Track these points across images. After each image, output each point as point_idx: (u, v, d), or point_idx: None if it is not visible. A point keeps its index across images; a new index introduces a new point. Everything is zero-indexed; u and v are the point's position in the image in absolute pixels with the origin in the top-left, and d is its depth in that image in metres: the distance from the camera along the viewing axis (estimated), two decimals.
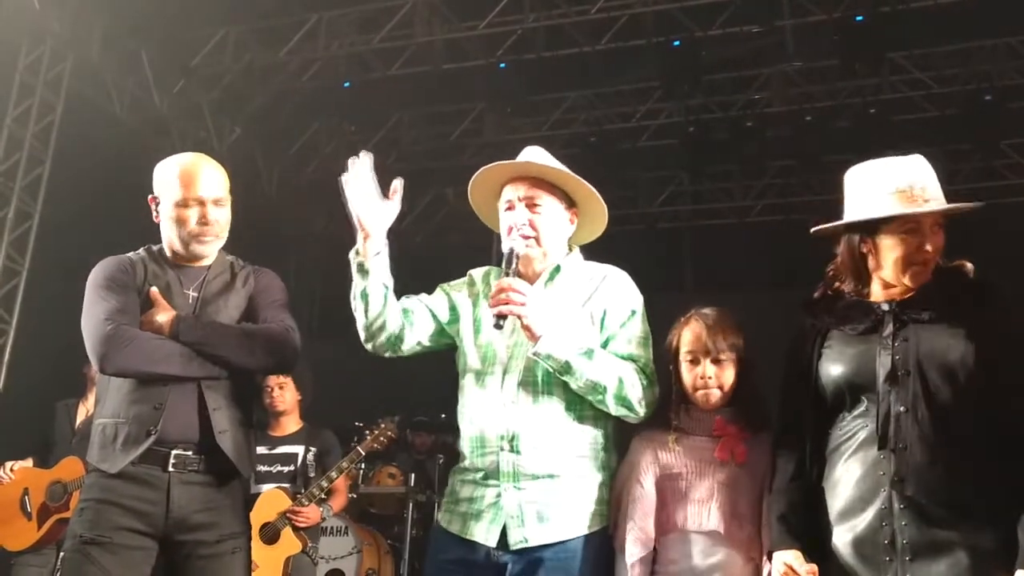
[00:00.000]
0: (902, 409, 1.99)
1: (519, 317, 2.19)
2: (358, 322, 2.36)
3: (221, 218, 2.52)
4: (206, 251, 2.53)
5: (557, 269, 2.40)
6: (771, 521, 2.14)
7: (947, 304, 2.03)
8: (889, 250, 2.09)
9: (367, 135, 8.58)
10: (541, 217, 2.36)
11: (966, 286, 2.07)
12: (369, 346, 2.40)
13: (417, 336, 2.43)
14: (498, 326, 2.21)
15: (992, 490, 1.92)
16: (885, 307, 2.09)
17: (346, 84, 7.89)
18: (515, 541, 2.20)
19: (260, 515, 4.28)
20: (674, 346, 2.39)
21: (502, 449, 2.25)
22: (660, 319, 2.50)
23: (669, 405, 2.35)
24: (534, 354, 2.22)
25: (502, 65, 7.38)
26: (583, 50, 7.17)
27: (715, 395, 2.32)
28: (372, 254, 2.28)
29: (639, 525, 2.25)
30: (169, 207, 2.47)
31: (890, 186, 2.09)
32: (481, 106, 8.39)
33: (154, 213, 2.54)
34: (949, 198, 2.12)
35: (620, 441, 2.42)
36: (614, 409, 2.27)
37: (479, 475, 2.29)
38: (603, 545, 2.26)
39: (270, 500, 4.35)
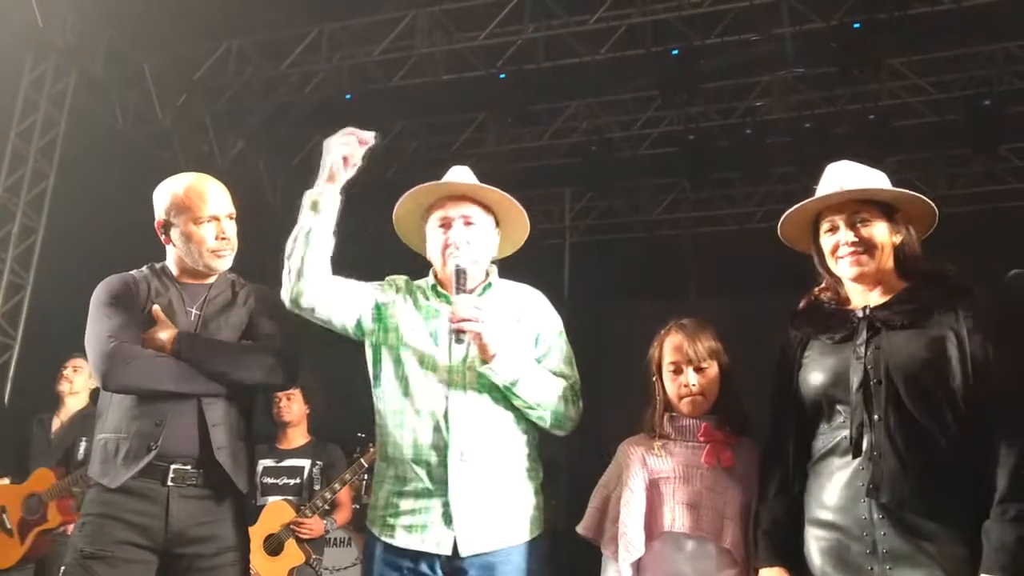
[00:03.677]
0: (876, 418, 1.99)
1: (478, 335, 2.24)
2: (290, 270, 2.34)
3: (233, 232, 2.57)
4: (223, 265, 2.57)
5: (488, 286, 2.45)
6: (756, 536, 2.16)
7: (921, 310, 2.03)
8: (824, 247, 2.17)
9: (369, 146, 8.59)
10: (477, 234, 2.42)
11: (943, 291, 2.06)
12: (290, 297, 2.36)
13: (340, 313, 2.40)
14: (459, 341, 2.27)
15: (966, 497, 1.92)
16: (860, 314, 2.11)
17: (348, 96, 7.92)
18: (469, 550, 2.24)
19: (264, 527, 4.32)
20: (656, 358, 2.44)
21: (450, 459, 2.27)
22: (662, 327, 2.52)
23: (654, 414, 2.41)
24: (487, 370, 2.27)
25: (502, 75, 7.41)
26: (583, 60, 7.20)
27: (699, 402, 2.37)
28: (330, 194, 2.33)
29: (630, 528, 2.28)
30: (185, 226, 2.50)
31: (827, 189, 2.17)
32: (482, 116, 8.44)
33: (162, 236, 2.57)
34: (944, 204, 2.18)
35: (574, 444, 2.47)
36: (548, 424, 2.37)
37: (420, 485, 2.29)
38: (545, 549, 2.35)
39: (274, 512, 4.38)
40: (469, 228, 2.41)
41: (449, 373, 2.33)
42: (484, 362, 2.28)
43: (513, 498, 2.33)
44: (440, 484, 2.27)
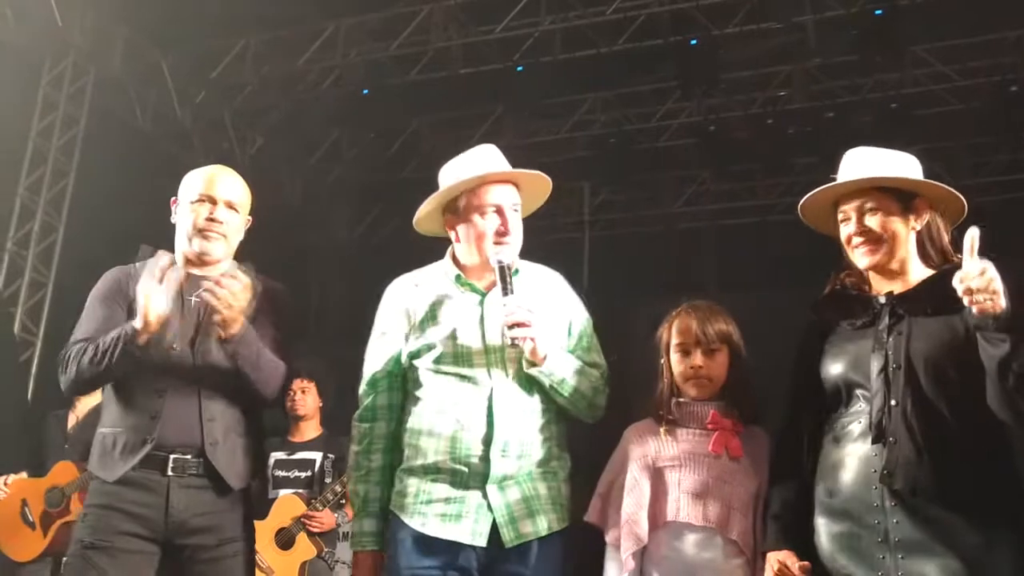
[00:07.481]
0: (893, 403, 1.97)
1: (531, 340, 2.20)
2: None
3: (231, 221, 2.53)
4: (210, 248, 2.50)
5: (515, 272, 2.35)
6: (766, 519, 2.12)
7: (944, 299, 1.97)
8: (841, 237, 2.15)
9: (387, 142, 8.62)
10: (519, 221, 2.37)
11: None
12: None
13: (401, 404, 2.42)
14: (515, 346, 2.22)
15: (981, 485, 1.89)
16: (882, 300, 2.08)
17: (365, 91, 7.92)
18: (509, 539, 2.21)
19: (275, 520, 4.31)
20: (665, 339, 2.38)
21: (491, 451, 2.23)
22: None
23: (660, 398, 2.35)
24: (538, 372, 2.25)
25: (519, 68, 7.38)
26: (600, 51, 7.15)
27: (706, 385, 2.30)
28: None
29: (633, 518, 2.23)
30: (185, 205, 2.52)
31: (844, 177, 2.15)
32: (500, 110, 8.39)
33: (172, 214, 2.58)
34: (970, 193, 2.15)
35: (599, 437, 2.47)
36: (584, 414, 2.35)
37: (456, 476, 2.25)
38: (574, 540, 2.31)
39: (285, 505, 4.38)
40: (516, 216, 2.35)
41: (490, 365, 2.28)
42: (532, 364, 2.24)
43: (549, 488, 2.28)
44: (478, 475, 2.24)
